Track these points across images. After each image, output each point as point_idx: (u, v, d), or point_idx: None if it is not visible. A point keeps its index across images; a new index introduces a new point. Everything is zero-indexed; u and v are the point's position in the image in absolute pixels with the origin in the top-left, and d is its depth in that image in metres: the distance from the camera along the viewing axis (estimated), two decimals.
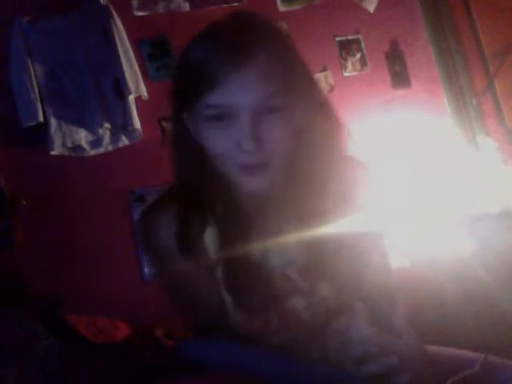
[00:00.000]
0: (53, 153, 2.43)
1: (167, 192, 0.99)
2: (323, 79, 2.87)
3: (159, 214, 0.95)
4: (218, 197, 0.94)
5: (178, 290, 0.99)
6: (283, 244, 0.96)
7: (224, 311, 0.96)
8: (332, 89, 2.90)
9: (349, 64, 2.98)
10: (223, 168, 0.89)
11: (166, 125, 2.53)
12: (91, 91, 2.45)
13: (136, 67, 2.51)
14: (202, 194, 0.94)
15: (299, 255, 0.96)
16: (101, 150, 2.51)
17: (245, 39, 0.84)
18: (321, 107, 0.94)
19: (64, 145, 2.43)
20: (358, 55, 2.99)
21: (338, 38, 2.97)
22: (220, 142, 0.86)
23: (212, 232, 0.94)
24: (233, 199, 0.94)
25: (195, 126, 0.90)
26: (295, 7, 2.87)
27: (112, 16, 2.49)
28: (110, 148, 2.52)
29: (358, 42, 2.99)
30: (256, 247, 0.95)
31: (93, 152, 2.51)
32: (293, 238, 0.95)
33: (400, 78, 3.06)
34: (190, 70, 0.86)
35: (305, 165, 0.92)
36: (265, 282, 0.95)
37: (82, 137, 2.45)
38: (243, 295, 0.94)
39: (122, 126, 2.49)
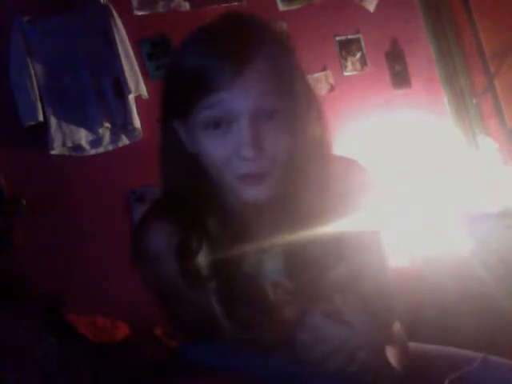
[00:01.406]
0: (53, 152, 2.43)
1: (161, 202, 0.97)
2: (323, 79, 2.87)
3: (156, 225, 0.93)
4: (211, 209, 0.92)
5: (168, 298, 0.99)
6: (278, 249, 0.95)
7: (214, 321, 0.95)
8: (332, 88, 2.90)
9: (349, 63, 2.97)
10: (220, 178, 0.86)
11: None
12: (91, 91, 2.45)
13: (136, 67, 2.51)
14: (195, 207, 0.92)
15: (293, 260, 0.94)
16: (101, 150, 2.51)
17: (241, 43, 0.82)
18: (316, 109, 0.93)
19: (64, 144, 2.43)
20: (358, 55, 2.99)
21: (337, 38, 2.97)
22: (217, 150, 0.83)
23: (206, 246, 0.93)
24: (227, 210, 0.93)
25: (190, 135, 0.88)
26: (295, 7, 2.87)
27: (112, 15, 2.49)
28: (110, 147, 2.52)
29: (358, 41, 2.99)
30: (251, 257, 0.93)
31: (93, 151, 2.51)
32: (290, 239, 0.93)
33: (400, 77, 3.06)
34: (186, 76, 0.84)
35: (302, 167, 0.90)
36: (259, 293, 0.94)
37: (82, 136, 2.45)
38: (237, 307, 0.93)
39: (122, 125, 2.49)
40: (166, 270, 0.93)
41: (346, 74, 2.97)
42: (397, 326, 1.02)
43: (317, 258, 0.93)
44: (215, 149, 0.84)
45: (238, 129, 0.81)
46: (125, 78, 2.45)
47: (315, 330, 0.84)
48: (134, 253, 0.98)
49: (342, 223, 0.93)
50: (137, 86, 2.48)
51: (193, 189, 0.92)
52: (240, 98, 0.80)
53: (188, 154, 0.90)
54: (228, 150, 0.83)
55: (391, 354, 0.90)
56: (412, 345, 1.03)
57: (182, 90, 0.85)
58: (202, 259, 0.92)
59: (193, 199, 0.92)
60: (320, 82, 2.83)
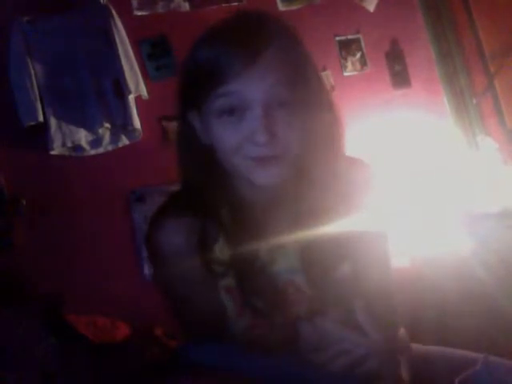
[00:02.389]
0: (53, 153, 2.43)
1: (177, 196, 0.98)
2: (323, 79, 2.87)
3: (172, 221, 0.94)
4: (224, 202, 0.94)
5: (179, 297, 0.99)
6: (287, 247, 0.96)
7: (223, 320, 0.96)
8: (332, 88, 2.90)
9: (349, 64, 2.97)
10: (233, 164, 0.88)
11: (166, 124, 2.53)
12: (91, 91, 2.46)
13: (136, 67, 2.52)
14: (209, 199, 0.93)
15: (303, 258, 0.95)
16: (101, 150, 2.51)
17: (254, 35, 0.84)
18: (327, 105, 0.94)
19: (64, 144, 2.43)
20: (358, 55, 2.99)
21: (337, 38, 2.97)
22: (232, 136, 0.86)
23: (222, 240, 0.94)
24: (238, 204, 0.94)
25: (204, 124, 0.90)
26: (295, 7, 2.87)
27: (112, 16, 2.49)
28: (110, 148, 2.52)
29: (357, 41, 2.98)
30: (263, 255, 0.94)
31: (93, 152, 2.51)
32: (296, 238, 0.94)
33: (400, 77, 3.06)
34: (201, 67, 0.87)
35: (310, 164, 0.91)
36: (270, 291, 0.95)
37: (82, 136, 2.45)
38: (251, 298, 0.94)
39: (122, 125, 2.49)
40: (182, 266, 0.93)
41: (345, 74, 2.97)
42: (401, 330, 1.02)
43: (325, 258, 0.93)
44: (229, 135, 0.86)
45: (252, 116, 0.84)
46: (125, 78, 2.45)
47: (324, 332, 0.85)
48: (148, 249, 0.98)
49: (348, 222, 0.93)
50: (137, 86, 2.49)
51: (207, 181, 0.94)
52: (253, 86, 0.83)
53: (202, 147, 0.92)
54: (241, 136, 0.85)
55: (401, 364, 0.90)
56: (414, 346, 1.03)
57: (198, 81, 0.87)
58: (219, 253, 0.93)
59: (207, 192, 0.94)
60: None
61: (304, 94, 0.87)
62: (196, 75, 0.88)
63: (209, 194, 0.93)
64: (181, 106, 0.94)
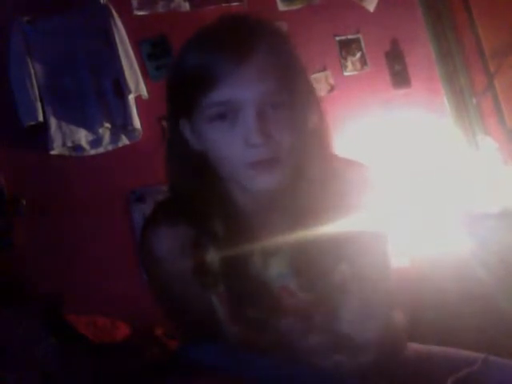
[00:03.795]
0: (53, 152, 2.43)
1: (167, 205, 0.97)
2: (323, 79, 2.87)
3: (164, 227, 0.94)
4: (216, 209, 0.93)
5: (172, 300, 0.99)
6: (282, 251, 0.94)
7: (216, 324, 0.95)
8: (332, 88, 2.90)
9: (349, 63, 2.97)
10: (230, 171, 0.86)
11: (166, 124, 2.53)
12: (91, 91, 2.46)
13: (136, 67, 2.52)
14: (201, 207, 0.92)
15: (298, 261, 0.94)
16: (101, 150, 2.51)
17: (242, 37, 0.83)
18: (315, 105, 0.93)
19: (64, 144, 2.43)
20: (358, 55, 2.99)
21: (338, 38, 2.96)
22: (226, 142, 0.84)
23: (213, 248, 0.93)
24: (231, 210, 0.93)
25: (196, 131, 0.88)
26: (295, 7, 2.87)
27: (112, 15, 2.49)
28: (110, 148, 2.52)
29: (358, 41, 2.98)
30: (257, 260, 0.93)
31: (93, 152, 2.51)
32: (291, 241, 0.93)
33: (400, 77, 3.06)
34: (188, 74, 0.85)
35: (303, 164, 0.90)
36: (265, 296, 0.94)
37: (82, 136, 2.45)
38: (242, 310, 0.93)
39: (122, 125, 2.50)
40: (173, 272, 0.93)
41: (346, 74, 2.97)
42: (401, 322, 1.02)
43: (322, 260, 0.92)
44: (224, 141, 0.84)
45: (244, 118, 0.82)
46: (125, 78, 2.45)
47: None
48: (141, 254, 0.97)
49: (346, 224, 0.92)
50: (137, 86, 2.49)
51: (198, 188, 0.92)
52: (244, 89, 0.81)
53: (193, 153, 0.90)
54: (236, 140, 0.83)
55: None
56: (415, 346, 1.03)
57: (187, 87, 0.86)
58: (211, 261, 0.92)
59: (198, 199, 0.92)
60: (320, 82, 2.83)
61: (294, 94, 0.85)
62: (184, 82, 0.86)
63: (200, 202, 0.92)
64: (171, 116, 0.93)
